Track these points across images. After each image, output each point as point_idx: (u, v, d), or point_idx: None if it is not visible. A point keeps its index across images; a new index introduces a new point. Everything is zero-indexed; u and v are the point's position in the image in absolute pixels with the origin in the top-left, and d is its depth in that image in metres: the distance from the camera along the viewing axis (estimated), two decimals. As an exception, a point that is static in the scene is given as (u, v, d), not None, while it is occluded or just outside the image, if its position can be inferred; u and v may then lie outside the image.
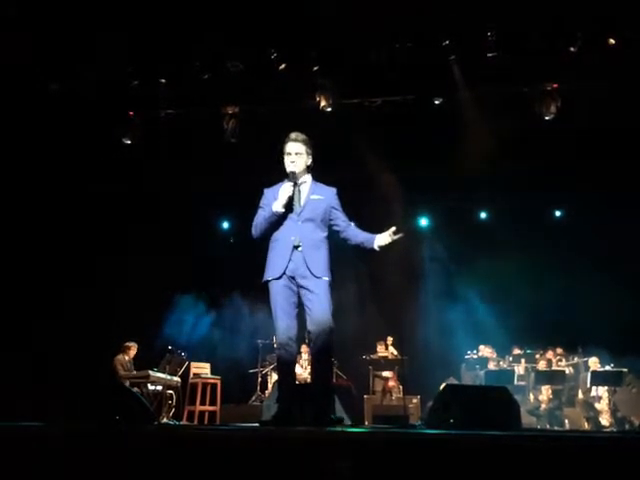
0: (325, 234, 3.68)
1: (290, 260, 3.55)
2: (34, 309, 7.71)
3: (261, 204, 3.76)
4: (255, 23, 6.78)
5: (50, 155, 7.79)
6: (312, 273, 3.52)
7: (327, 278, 3.57)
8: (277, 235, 3.64)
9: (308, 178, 3.76)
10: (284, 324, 3.56)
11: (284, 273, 3.55)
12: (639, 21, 6.49)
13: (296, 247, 3.55)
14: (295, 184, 3.62)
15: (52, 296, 7.94)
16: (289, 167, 3.64)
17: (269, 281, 3.62)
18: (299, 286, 3.57)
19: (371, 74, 7.35)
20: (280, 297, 3.56)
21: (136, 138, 8.09)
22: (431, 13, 6.60)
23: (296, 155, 3.65)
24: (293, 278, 3.56)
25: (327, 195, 3.73)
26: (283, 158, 3.73)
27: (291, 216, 3.62)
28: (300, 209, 3.63)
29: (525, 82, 7.39)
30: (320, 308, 3.50)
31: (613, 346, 7.52)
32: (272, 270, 3.60)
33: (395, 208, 9.40)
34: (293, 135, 3.69)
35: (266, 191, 3.78)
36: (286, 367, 3.64)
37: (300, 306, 3.62)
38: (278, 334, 3.60)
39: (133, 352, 7.76)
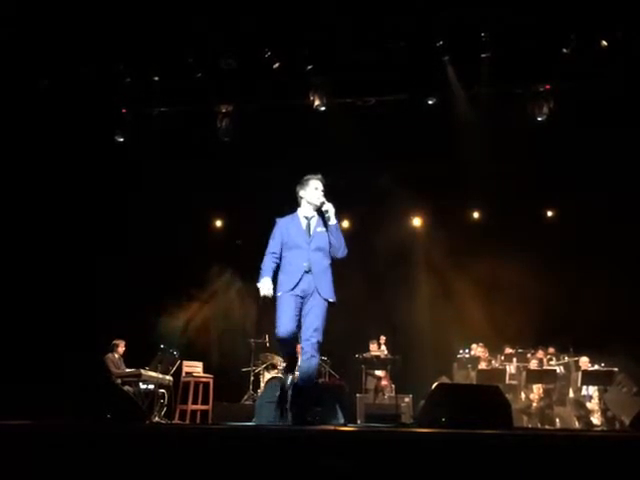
0: (330, 261, 4.22)
1: (301, 281, 4.05)
2: (25, 307, 7.66)
3: (273, 234, 4.26)
4: (249, 22, 6.77)
5: (41, 152, 7.73)
6: (320, 295, 4.05)
7: (332, 300, 4.11)
8: (290, 259, 4.15)
9: (316, 213, 4.31)
10: (290, 327, 4.01)
11: (295, 287, 4.03)
12: (631, 23, 6.53)
13: (307, 272, 4.06)
14: (319, 211, 4.23)
15: (46, 295, 7.89)
16: (320, 198, 4.20)
17: (279, 294, 4.10)
18: (303, 301, 4.07)
19: (365, 73, 7.35)
20: (287, 306, 4.02)
21: (128, 136, 8.06)
22: (425, 13, 6.61)
23: (322, 191, 4.26)
24: (302, 297, 4.06)
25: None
26: (303, 189, 4.29)
27: (302, 245, 4.15)
28: (310, 239, 4.18)
29: (518, 83, 7.42)
30: (314, 322, 4.01)
31: (604, 346, 7.56)
32: (284, 286, 4.07)
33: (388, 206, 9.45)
34: (319, 175, 4.31)
35: (278, 221, 4.30)
36: (293, 360, 4.25)
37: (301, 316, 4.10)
38: (283, 334, 4.01)
39: (122, 349, 7.72)
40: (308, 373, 4.00)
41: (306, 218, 4.25)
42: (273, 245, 4.20)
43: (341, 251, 4.22)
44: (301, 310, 4.05)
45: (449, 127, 7.64)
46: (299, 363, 4.14)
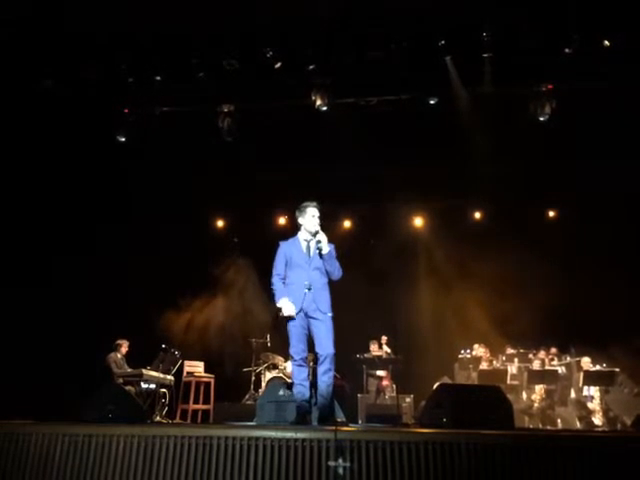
0: (327, 279, 4.66)
1: (304, 300, 4.50)
2: (27, 306, 7.67)
3: (277, 256, 4.69)
4: (251, 21, 6.77)
5: (43, 152, 7.74)
6: (320, 310, 4.51)
7: (331, 314, 4.55)
8: (293, 279, 4.62)
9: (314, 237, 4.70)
10: (299, 348, 4.56)
11: (300, 311, 4.49)
12: (634, 23, 6.52)
13: (308, 289, 4.52)
14: (314, 237, 4.62)
15: (48, 294, 7.90)
16: (316, 227, 4.64)
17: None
18: (309, 318, 4.52)
19: (366, 73, 7.34)
20: (296, 330, 4.54)
21: (131, 136, 8.07)
22: (427, 13, 6.60)
23: (319, 218, 4.69)
24: (306, 314, 4.52)
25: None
26: (302, 216, 4.69)
27: (303, 265, 4.61)
28: (310, 260, 4.63)
29: (520, 83, 7.41)
30: (326, 337, 4.47)
31: (606, 346, 7.55)
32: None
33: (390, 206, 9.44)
34: (315, 202, 4.72)
35: (282, 244, 4.74)
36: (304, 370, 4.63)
37: (309, 332, 4.55)
38: (295, 355, 4.56)
39: (125, 349, 7.73)
40: (327, 392, 4.39)
41: (306, 241, 4.70)
42: (278, 267, 4.68)
43: (335, 275, 4.67)
44: (309, 327, 4.52)
45: (451, 127, 7.63)
46: (318, 376, 4.49)
